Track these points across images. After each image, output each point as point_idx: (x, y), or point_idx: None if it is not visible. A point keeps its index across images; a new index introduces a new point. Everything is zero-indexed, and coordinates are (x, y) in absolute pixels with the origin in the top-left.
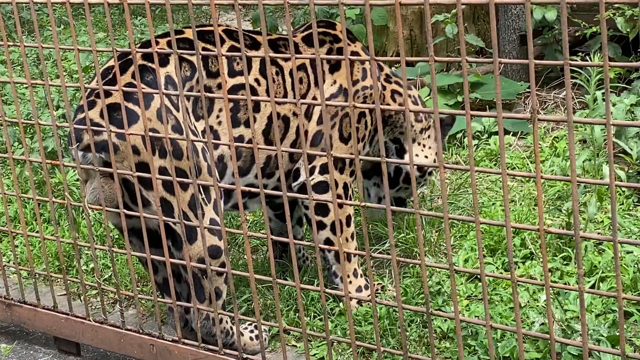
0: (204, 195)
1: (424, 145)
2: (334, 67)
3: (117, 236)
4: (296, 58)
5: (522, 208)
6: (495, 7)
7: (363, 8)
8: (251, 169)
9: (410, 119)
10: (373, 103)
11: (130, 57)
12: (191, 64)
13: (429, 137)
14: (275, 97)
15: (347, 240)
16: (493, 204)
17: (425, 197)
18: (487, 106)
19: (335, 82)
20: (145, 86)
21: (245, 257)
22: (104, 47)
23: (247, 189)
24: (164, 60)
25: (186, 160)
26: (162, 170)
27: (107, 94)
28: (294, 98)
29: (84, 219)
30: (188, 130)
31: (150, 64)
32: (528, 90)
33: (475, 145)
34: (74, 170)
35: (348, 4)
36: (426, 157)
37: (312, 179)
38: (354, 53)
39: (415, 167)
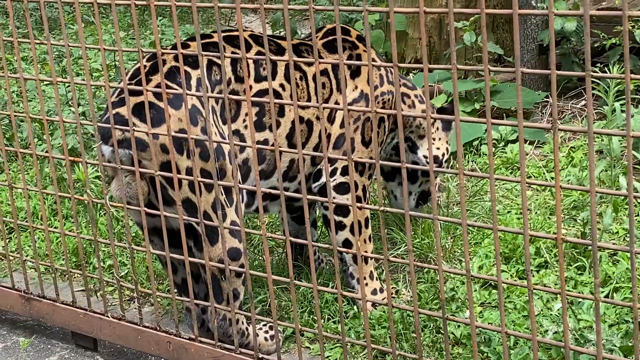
0: (226, 198)
1: (435, 139)
2: (355, 73)
3: (133, 234)
4: (320, 63)
5: (538, 217)
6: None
7: (383, 14)
8: (274, 172)
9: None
10: (391, 108)
11: (162, 58)
12: (221, 68)
13: (437, 129)
14: (299, 101)
15: (365, 241)
16: (508, 211)
17: (441, 203)
18: (504, 114)
19: (356, 87)
20: (177, 87)
21: (260, 258)
22: (124, 47)
23: (269, 190)
24: (195, 63)
25: (213, 162)
26: (189, 171)
27: (138, 92)
28: (317, 100)
29: (102, 215)
30: (212, 131)
31: (183, 66)
32: (546, 99)
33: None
34: (94, 168)
35: (373, 10)
36: (438, 148)
37: (334, 180)
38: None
39: (427, 161)
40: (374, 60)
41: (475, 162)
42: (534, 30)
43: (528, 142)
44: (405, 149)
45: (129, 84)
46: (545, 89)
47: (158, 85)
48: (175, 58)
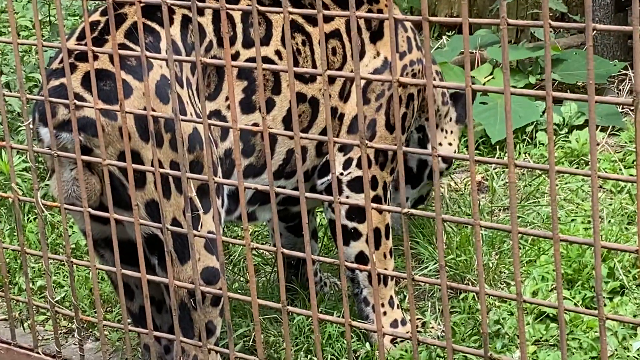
0: (201, 201)
1: (447, 131)
2: (376, 35)
3: (73, 244)
4: (325, 16)
5: (612, 227)
6: None
7: None
8: (266, 166)
9: (437, 101)
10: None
11: (122, 11)
12: (200, 27)
13: (450, 120)
14: (302, 75)
15: (384, 256)
16: (573, 219)
17: (483, 208)
18: (568, 90)
19: (378, 53)
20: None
21: (242, 279)
22: None
23: (256, 186)
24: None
25: (186, 153)
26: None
27: (89, 58)
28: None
29: (32, 220)
30: (187, 111)
31: (149, 22)
32: (623, 71)
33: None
34: (22, 156)
35: None
36: (450, 144)
37: (348, 173)
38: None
39: (440, 158)
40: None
41: (529, 154)
42: None
43: (600, 128)
44: (416, 140)
45: (76, 45)
46: (624, 57)
47: (118, 47)
48: (141, 12)
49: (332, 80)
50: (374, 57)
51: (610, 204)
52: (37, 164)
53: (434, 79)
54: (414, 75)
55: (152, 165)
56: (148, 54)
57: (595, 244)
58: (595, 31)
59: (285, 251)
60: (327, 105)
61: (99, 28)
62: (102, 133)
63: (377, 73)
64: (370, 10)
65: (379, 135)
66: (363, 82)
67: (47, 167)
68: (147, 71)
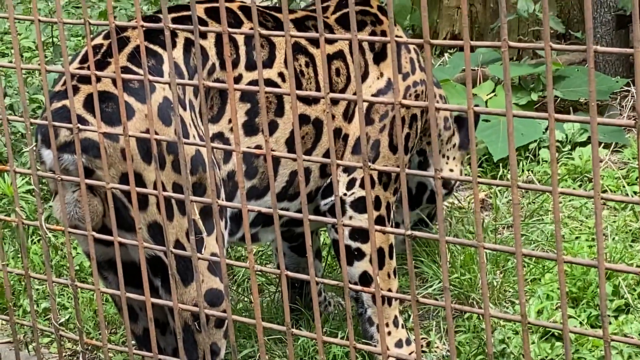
0: (204, 223)
1: (448, 157)
2: (379, 56)
3: (77, 266)
4: (326, 39)
5: (616, 245)
6: None
7: None
8: (268, 189)
9: (440, 125)
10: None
11: (124, 34)
12: (203, 51)
13: (454, 146)
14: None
15: (388, 276)
16: (577, 237)
17: (487, 226)
18: (570, 108)
19: (382, 74)
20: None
21: (246, 299)
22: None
23: (259, 209)
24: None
25: (189, 175)
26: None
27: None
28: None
29: (36, 242)
30: (192, 133)
31: (151, 46)
32: (625, 87)
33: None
34: (25, 179)
35: None
36: (451, 170)
37: (352, 194)
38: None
39: (440, 181)
40: (400, 38)
41: (532, 171)
42: None
43: (603, 144)
44: (416, 164)
45: (79, 68)
46: (626, 74)
47: (120, 71)
48: (144, 35)
49: (335, 101)
50: (378, 78)
51: (614, 221)
52: (40, 186)
53: (437, 102)
54: (417, 97)
55: (155, 187)
56: (150, 77)
57: (599, 266)
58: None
59: (290, 274)
60: (329, 127)
61: (102, 51)
62: (105, 154)
63: (381, 94)
64: (373, 32)
65: (382, 155)
66: (366, 103)
67: (50, 189)
68: (149, 94)
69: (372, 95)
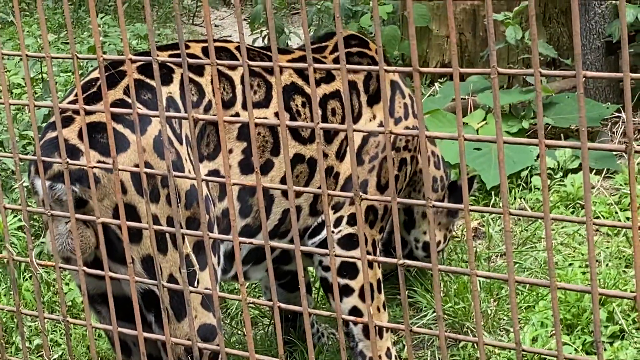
0: (197, 257)
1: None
2: (373, 98)
3: (69, 302)
4: (323, 79)
5: (610, 270)
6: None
7: (397, 4)
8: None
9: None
10: (415, 150)
11: (122, 68)
12: (199, 87)
13: (441, 211)
14: (302, 136)
15: (378, 310)
16: (570, 264)
17: (480, 254)
18: (561, 135)
19: (374, 117)
20: (141, 106)
21: (239, 332)
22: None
23: (251, 241)
24: (165, 79)
25: (183, 209)
26: (154, 221)
27: (86, 112)
28: (324, 133)
29: (28, 279)
30: (186, 167)
31: (148, 80)
32: (616, 113)
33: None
34: (17, 216)
35: None
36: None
37: (339, 231)
38: (393, 83)
39: (421, 245)
40: (398, 84)
41: (524, 199)
42: (598, 23)
43: (594, 171)
44: (402, 222)
45: (73, 102)
46: (616, 100)
47: (115, 103)
48: (140, 69)
49: (329, 140)
50: (370, 120)
51: (607, 247)
52: (31, 221)
53: (436, 163)
54: (407, 142)
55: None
56: (140, 110)
57: (593, 292)
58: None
59: (282, 305)
60: (320, 161)
61: (97, 84)
62: (98, 185)
63: (371, 136)
64: (369, 74)
65: (370, 194)
66: (358, 141)
67: (42, 221)
68: (142, 127)
69: (363, 137)
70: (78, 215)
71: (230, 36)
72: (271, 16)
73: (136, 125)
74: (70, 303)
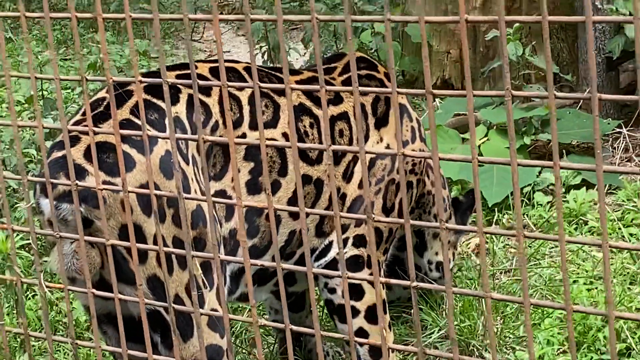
0: (204, 277)
1: (441, 239)
2: (381, 121)
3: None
4: (334, 98)
5: (614, 287)
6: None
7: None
8: (268, 249)
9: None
10: (422, 174)
11: (129, 88)
12: (206, 108)
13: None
14: (309, 157)
15: (384, 331)
16: (574, 281)
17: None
18: (563, 151)
19: (381, 139)
20: (149, 126)
21: (244, 351)
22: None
23: (261, 262)
24: (172, 98)
25: (190, 229)
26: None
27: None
28: (336, 155)
29: (33, 298)
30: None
31: (155, 100)
32: (617, 129)
33: (548, 202)
34: (20, 235)
35: (396, 20)
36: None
37: (345, 252)
38: (401, 106)
39: (434, 266)
40: (406, 107)
41: (527, 215)
42: (599, 39)
43: (595, 187)
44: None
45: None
46: (617, 115)
47: (122, 123)
48: (147, 89)
49: (337, 161)
50: (377, 142)
51: (611, 264)
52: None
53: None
54: (413, 166)
55: (155, 241)
56: (150, 132)
57: (609, 314)
58: (587, 91)
59: (294, 327)
60: (332, 179)
61: (105, 104)
62: (104, 205)
63: (378, 159)
64: (377, 97)
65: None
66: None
67: (44, 240)
68: (149, 147)
69: (371, 160)
70: (87, 238)
71: (229, 52)
72: (282, 40)
73: (146, 147)
74: (73, 322)
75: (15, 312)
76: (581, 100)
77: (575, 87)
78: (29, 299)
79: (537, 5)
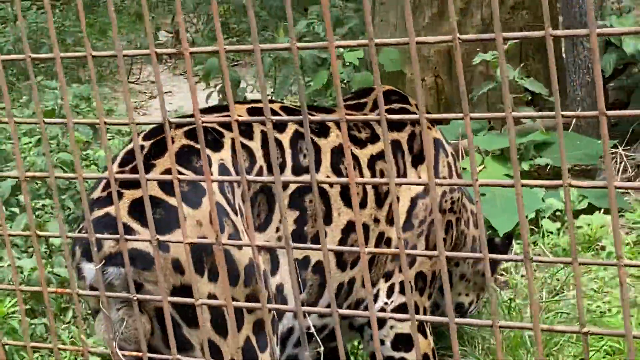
0: (257, 339)
1: (468, 281)
2: (418, 159)
3: None
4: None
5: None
6: (557, 39)
7: (367, 49)
8: (318, 303)
9: (468, 244)
10: (460, 212)
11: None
12: (250, 152)
13: (477, 272)
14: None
15: None
16: (609, 310)
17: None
18: (559, 174)
19: (420, 178)
20: (192, 174)
21: None
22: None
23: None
24: (215, 145)
25: (242, 287)
26: (211, 299)
27: (135, 185)
28: (374, 197)
29: None
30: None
31: (198, 146)
32: (612, 149)
33: (558, 229)
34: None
35: (386, 43)
36: (467, 294)
37: (392, 302)
38: (436, 141)
39: (453, 307)
40: (440, 142)
41: (538, 243)
42: (587, 58)
43: (602, 210)
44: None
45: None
46: (610, 135)
47: (165, 173)
48: (188, 134)
49: (380, 204)
50: None
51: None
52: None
53: (470, 219)
54: (452, 204)
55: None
56: (213, 177)
57: (627, 334)
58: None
59: None
60: (356, 212)
61: (144, 153)
62: (153, 266)
63: (419, 198)
64: (413, 132)
65: (419, 261)
66: (407, 204)
67: (89, 307)
68: (197, 200)
69: (412, 200)
70: (140, 296)
71: (170, 92)
72: (300, 80)
73: (179, 199)
74: None
75: None
76: (572, 123)
77: (563, 107)
78: None
79: (513, 25)
